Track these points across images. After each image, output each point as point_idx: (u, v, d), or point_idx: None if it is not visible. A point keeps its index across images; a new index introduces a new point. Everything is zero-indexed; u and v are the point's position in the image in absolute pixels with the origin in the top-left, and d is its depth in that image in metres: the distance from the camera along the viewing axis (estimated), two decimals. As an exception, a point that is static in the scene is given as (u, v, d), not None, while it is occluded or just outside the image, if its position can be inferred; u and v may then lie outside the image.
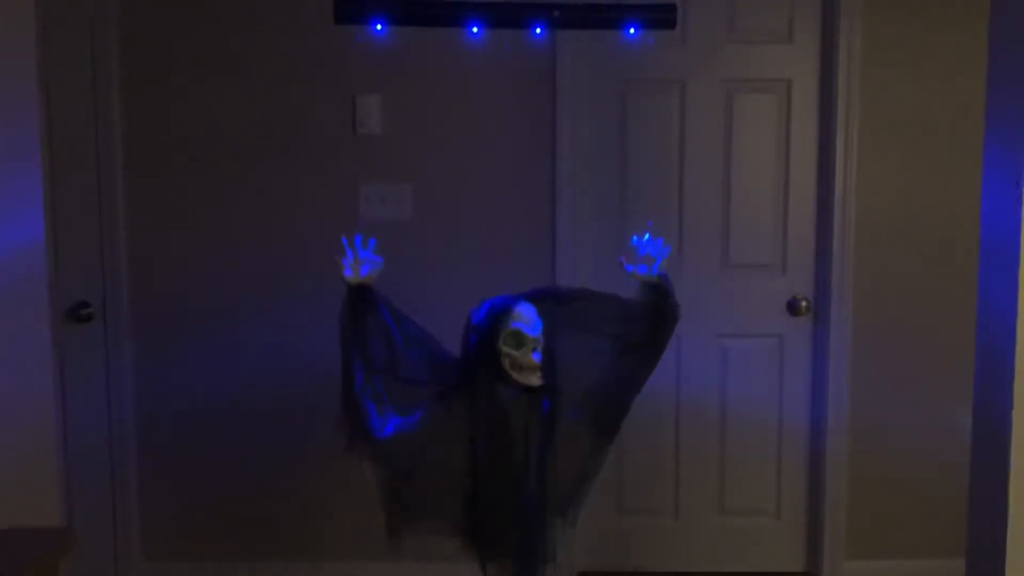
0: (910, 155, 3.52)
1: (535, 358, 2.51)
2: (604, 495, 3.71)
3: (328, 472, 3.64)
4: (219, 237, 3.54)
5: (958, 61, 3.42)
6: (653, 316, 2.64)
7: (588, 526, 3.70)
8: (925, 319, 3.56)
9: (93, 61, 3.42)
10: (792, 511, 3.73)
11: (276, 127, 3.50)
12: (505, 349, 2.50)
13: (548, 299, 2.62)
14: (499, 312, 2.54)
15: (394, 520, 2.70)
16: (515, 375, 2.52)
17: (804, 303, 3.62)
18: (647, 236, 2.62)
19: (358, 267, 2.51)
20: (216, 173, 3.53)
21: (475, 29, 2.58)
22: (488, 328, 2.53)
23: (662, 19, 2.63)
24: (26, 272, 2.46)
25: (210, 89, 3.50)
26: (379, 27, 2.58)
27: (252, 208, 3.53)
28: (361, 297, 2.54)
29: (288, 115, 3.50)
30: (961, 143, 3.38)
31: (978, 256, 2.23)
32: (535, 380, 2.54)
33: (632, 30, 2.62)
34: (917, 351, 3.58)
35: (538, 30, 2.68)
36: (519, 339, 2.50)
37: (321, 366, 3.56)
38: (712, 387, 3.66)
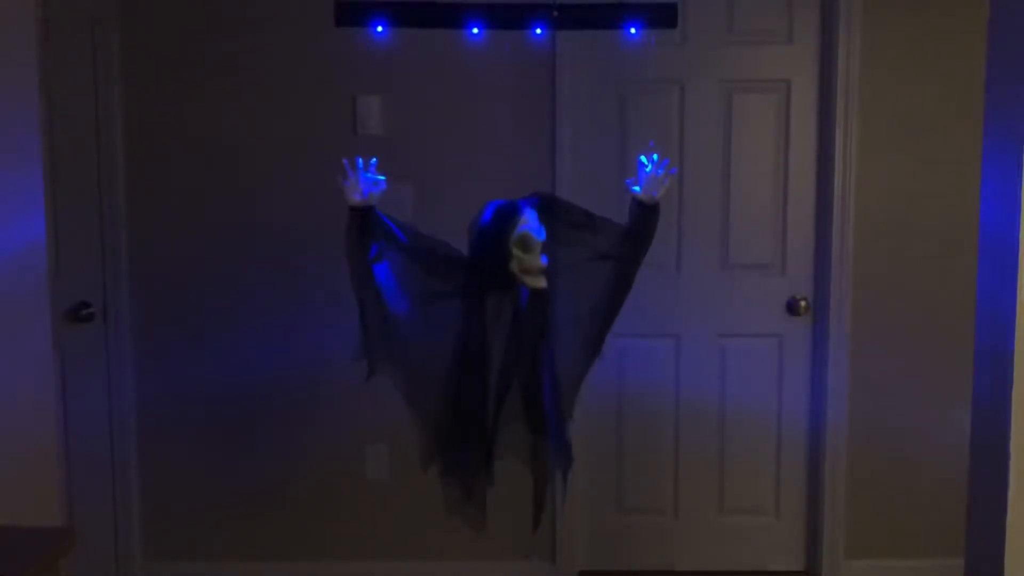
0: (909, 155, 3.52)
1: (543, 261, 2.54)
2: (604, 494, 3.72)
3: (329, 472, 3.64)
4: (220, 237, 3.54)
5: (957, 61, 3.42)
6: (633, 239, 2.66)
7: (588, 526, 3.71)
8: (924, 318, 3.57)
9: (94, 62, 3.42)
10: (791, 510, 3.73)
11: (277, 128, 3.51)
12: (515, 252, 2.52)
13: (542, 204, 2.64)
14: (506, 215, 2.56)
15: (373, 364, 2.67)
16: (524, 279, 2.54)
17: (803, 303, 3.63)
18: (654, 156, 2.62)
19: (360, 189, 2.52)
20: (217, 174, 3.53)
21: (475, 30, 2.58)
22: (496, 230, 2.54)
23: (662, 18, 2.63)
24: (27, 272, 2.47)
25: (211, 90, 3.50)
26: (380, 29, 2.58)
27: (253, 208, 3.53)
28: (365, 219, 2.53)
29: (289, 116, 3.50)
30: (960, 143, 3.38)
31: (977, 255, 2.24)
32: (542, 283, 2.56)
33: (632, 30, 2.62)
34: (916, 350, 3.58)
35: (538, 30, 2.68)
36: (528, 242, 2.52)
37: (322, 366, 3.58)
38: (711, 387, 3.67)
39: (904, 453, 3.61)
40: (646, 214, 2.65)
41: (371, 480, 3.64)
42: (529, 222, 2.56)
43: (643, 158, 2.63)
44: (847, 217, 3.52)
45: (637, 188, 2.64)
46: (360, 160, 2.53)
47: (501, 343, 2.62)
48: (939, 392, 3.55)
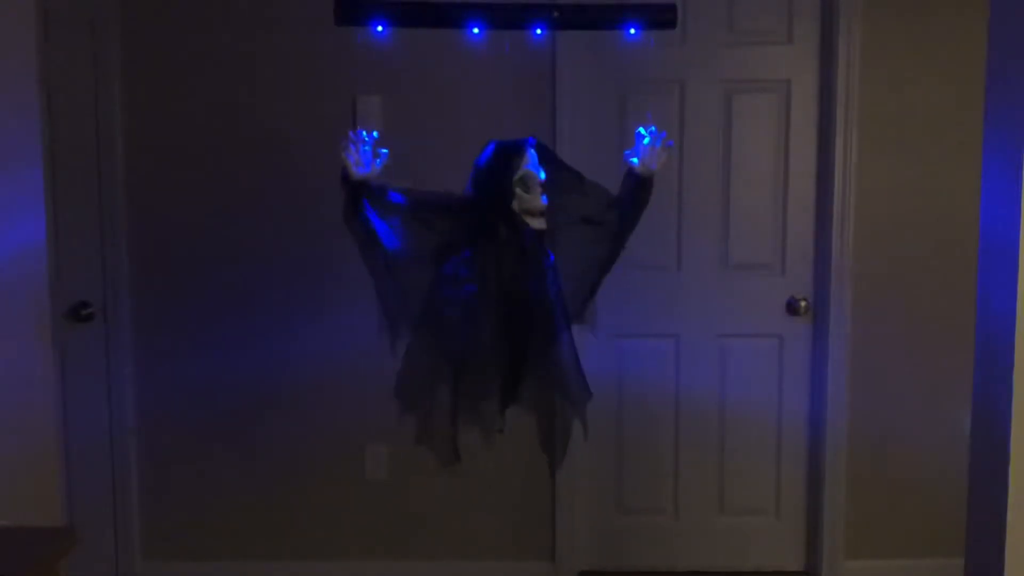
0: (909, 155, 3.52)
1: (543, 202, 2.53)
2: (604, 494, 3.72)
3: (329, 472, 3.64)
4: (220, 237, 3.54)
5: (957, 61, 3.42)
6: (624, 209, 2.65)
7: (588, 526, 3.71)
8: (924, 318, 3.57)
9: (94, 62, 3.42)
10: (791, 510, 3.73)
11: (277, 128, 3.50)
12: (516, 191, 2.52)
13: (540, 153, 2.63)
14: (510, 152, 2.55)
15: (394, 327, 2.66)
16: (524, 218, 2.54)
17: (803, 303, 3.63)
18: (652, 128, 2.61)
19: (363, 162, 2.50)
20: (217, 173, 3.53)
21: (475, 30, 2.58)
22: (500, 167, 2.53)
23: (662, 19, 2.62)
24: (27, 272, 2.47)
25: (211, 89, 3.50)
26: (380, 28, 2.57)
27: (253, 208, 3.53)
28: (360, 192, 2.51)
29: (288, 116, 3.50)
30: (960, 143, 3.39)
31: (977, 255, 2.24)
32: (539, 224, 2.55)
33: (632, 30, 2.62)
34: (916, 351, 3.58)
35: (538, 31, 2.68)
36: (529, 181, 2.52)
37: (322, 365, 3.58)
38: (712, 387, 3.67)
39: (904, 453, 3.61)
40: (641, 186, 2.63)
41: (370, 480, 3.64)
42: (530, 161, 2.55)
43: (642, 130, 2.62)
44: (847, 217, 3.52)
45: (635, 160, 2.63)
46: (363, 132, 2.51)
47: (510, 282, 2.60)
48: (939, 392, 3.55)
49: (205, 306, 3.57)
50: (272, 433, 3.61)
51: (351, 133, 2.49)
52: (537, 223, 2.56)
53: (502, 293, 2.60)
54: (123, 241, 3.51)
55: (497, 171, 2.55)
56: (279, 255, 3.54)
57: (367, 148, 2.50)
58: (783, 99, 3.56)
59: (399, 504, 3.65)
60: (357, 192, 2.52)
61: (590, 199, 2.68)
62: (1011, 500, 2.07)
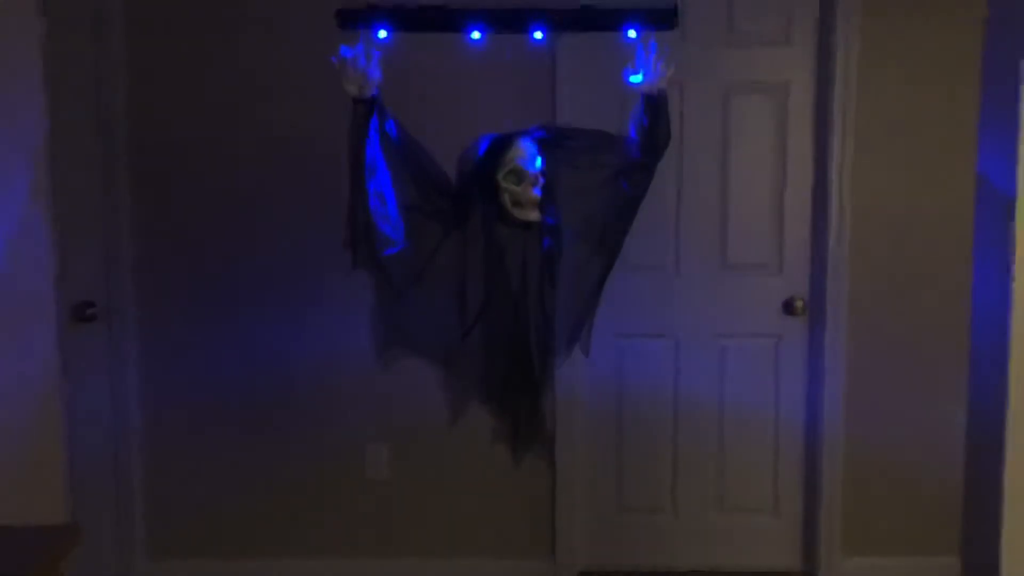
0: (906, 157, 3.54)
1: (535, 193, 2.53)
2: (603, 493, 3.73)
3: (330, 471, 3.66)
4: (223, 236, 3.56)
5: (954, 64, 3.43)
6: (646, 141, 2.63)
7: (588, 524, 3.73)
8: (920, 319, 3.58)
9: (97, 62, 3.43)
10: (789, 509, 3.75)
11: (278, 129, 3.51)
12: (505, 185, 2.52)
13: (545, 137, 2.63)
14: (499, 147, 2.54)
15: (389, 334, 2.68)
16: (515, 211, 2.53)
17: (800, 303, 3.64)
18: (651, 42, 2.60)
19: (355, 82, 2.53)
20: (220, 173, 3.54)
21: (476, 34, 2.60)
22: (488, 163, 2.53)
23: (662, 20, 2.64)
24: (30, 272, 2.48)
25: (213, 90, 3.51)
26: (382, 33, 2.60)
27: (255, 208, 3.54)
28: (368, 111, 2.54)
29: (290, 117, 3.50)
30: (956, 145, 3.39)
31: (972, 255, 2.26)
32: (534, 216, 2.55)
33: (632, 32, 2.64)
34: (912, 350, 3.60)
35: (538, 34, 2.70)
36: (519, 175, 2.51)
37: (324, 364, 3.59)
38: (710, 386, 3.68)
39: (900, 451, 3.63)
40: (654, 108, 2.60)
41: (371, 479, 3.66)
42: (524, 155, 2.55)
43: (642, 46, 2.61)
44: (844, 217, 3.53)
45: (637, 78, 2.60)
46: (362, 55, 2.52)
47: (479, 275, 2.60)
48: (935, 391, 3.56)
49: (208, 306, 3.58)
50: (273, 432, 3.63)
51: (343, 48, 2.50)
52: (530, 215, 2.56)
53: (471, 283, 2.61)
54: (127, 241, 3.52)
55: (481, 168, 2.56)
56: (281, 255, 3.55)
57: (365, 62, 2.52)
58: (782, 100, 3.58)
59: (399, 503, 3.67)
60: (361, 110, 2.53)
61: (620, 151, 2.65)
62: (1006, 497, 2.09)
